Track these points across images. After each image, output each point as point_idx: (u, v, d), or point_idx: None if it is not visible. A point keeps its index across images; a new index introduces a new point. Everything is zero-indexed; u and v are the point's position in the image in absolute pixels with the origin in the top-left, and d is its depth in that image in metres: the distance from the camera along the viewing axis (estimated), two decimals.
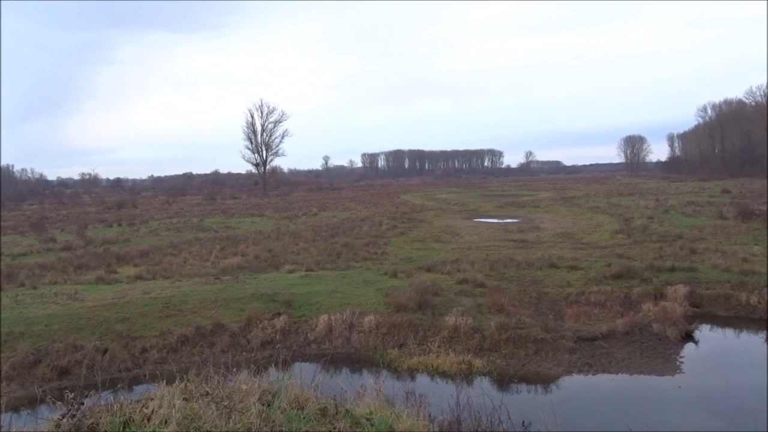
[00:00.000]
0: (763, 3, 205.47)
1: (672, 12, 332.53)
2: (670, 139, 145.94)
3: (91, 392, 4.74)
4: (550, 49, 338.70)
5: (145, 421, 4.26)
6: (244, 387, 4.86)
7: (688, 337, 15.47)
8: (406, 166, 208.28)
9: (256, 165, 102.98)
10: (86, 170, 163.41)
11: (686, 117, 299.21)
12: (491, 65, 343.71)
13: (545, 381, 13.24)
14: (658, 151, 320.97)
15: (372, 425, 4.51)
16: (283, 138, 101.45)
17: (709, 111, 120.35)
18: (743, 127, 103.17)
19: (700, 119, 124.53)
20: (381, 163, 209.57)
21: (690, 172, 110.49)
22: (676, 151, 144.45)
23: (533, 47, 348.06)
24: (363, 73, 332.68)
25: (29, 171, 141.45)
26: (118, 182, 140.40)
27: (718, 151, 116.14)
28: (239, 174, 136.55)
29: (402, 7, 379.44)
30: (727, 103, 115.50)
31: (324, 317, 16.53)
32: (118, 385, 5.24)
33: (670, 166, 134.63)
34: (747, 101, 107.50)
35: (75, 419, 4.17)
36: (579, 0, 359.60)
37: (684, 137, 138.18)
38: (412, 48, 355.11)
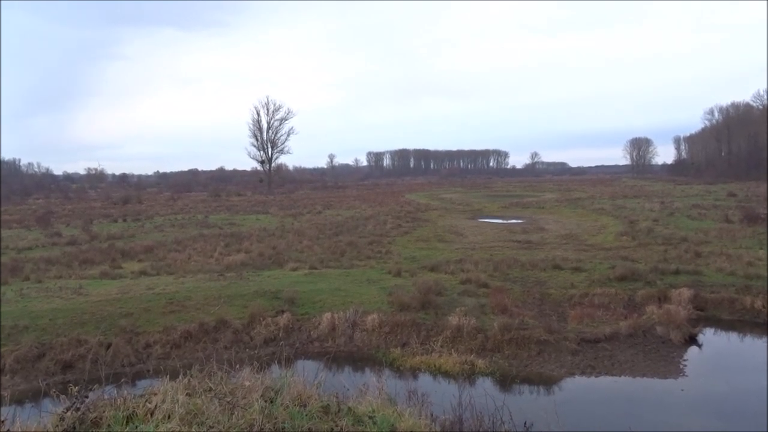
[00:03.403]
0: (764, 8, 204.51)
1: (676, 16, 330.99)
2: (677, 141, 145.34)
3: (95, 386, 4.76)
4: (554, 51, 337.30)
5: (149, 415, 4.28)
6: (247, 383, 4.87)
7: (692, 340, 15.43)
8: (412, 165, 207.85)
9: (262, 162, 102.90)
10: (92, 165, 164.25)
11: (693, 120, 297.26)
12: (495, 66, 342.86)
13: (548, 382, 13.24)
14: (664, 154, 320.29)
15: (374, 423, 4.52)
16: (288, 136, 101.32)
17: (716, 114, 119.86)
18: (750, 131, 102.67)
19: (706, 122, 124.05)
20: (386, 162, 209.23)
21: (696, 175, 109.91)
22: (683, 153, 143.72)
23: (537, 49, 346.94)
24: (366, 73, 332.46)
25: (35, 165, 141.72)
26: (123, 178, 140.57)
27: (725, 154, 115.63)
28: (244, 171, 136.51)
29: (403, 7, 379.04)
30: (735, 106, 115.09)
31: (327, 315, 16.56)
32: (122, 380, 5.27)
33: (676, 169, 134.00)
34: (754, 104, 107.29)
35: (79, 413, 4.19)
36: (581, 1, 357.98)
37: (690, 140, 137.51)
38: (415, 48, 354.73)
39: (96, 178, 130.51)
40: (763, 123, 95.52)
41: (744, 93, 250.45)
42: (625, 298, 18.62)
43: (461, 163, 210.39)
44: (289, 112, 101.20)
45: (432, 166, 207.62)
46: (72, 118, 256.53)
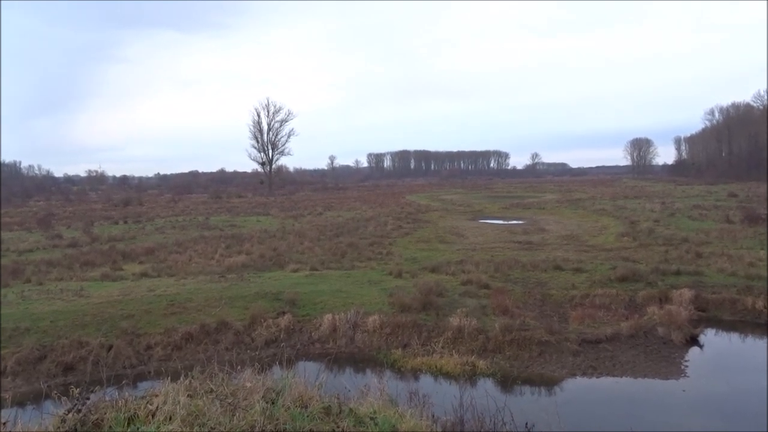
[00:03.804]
0: (764, 8, 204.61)
1: (676, 16, 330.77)
2: (677, 142, 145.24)
3: (96, 388, 4.76)
4: (554, 51, 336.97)
5: (150, 417, 4.28)
6: (248, 385, 4.87)
7: (693, 340, 15.42)
8: (412, 166, 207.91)
9: (262, 164, 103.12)
10: (93, 167, 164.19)
11: (693, 120, 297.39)
12: (495, 66, 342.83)
13: (549, 383, 13.23)
14: (665, 154, 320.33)
15: (375, 424, 4.51)
16: (289, 137, 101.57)
17: (717, 114, 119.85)
18: (751, 131, 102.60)
19: (707, 122, 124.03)
20: (387, 163, 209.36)
21: (697, 176, 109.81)
22: (683, 154, 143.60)
23: (537, 49, 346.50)
24: (367, 74, 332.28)
25: (36, 167, 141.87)
26: (124, 180, 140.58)
27: (726, 154, 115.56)
28: (245, 173, 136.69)
29: (403, 7, 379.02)
30: (735, 106, 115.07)
31: (328, 317, 16.56)
32: (123, 382, 5.28)
33: (677, 170, 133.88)
34: (755, 105, 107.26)
35: (80, 414, 4.19)
36: (581, 1, 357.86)
37: (691, 140, 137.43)
38: (415, 48, 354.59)
39: (97, 180, 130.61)
40: (763, 123, 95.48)
41: (744, 93, 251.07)
42: (626, 298, 18.60)
43: (462, 164, 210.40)
44: (289, 113, 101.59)
45: (432, 167, 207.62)
46: (73, 120, 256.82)
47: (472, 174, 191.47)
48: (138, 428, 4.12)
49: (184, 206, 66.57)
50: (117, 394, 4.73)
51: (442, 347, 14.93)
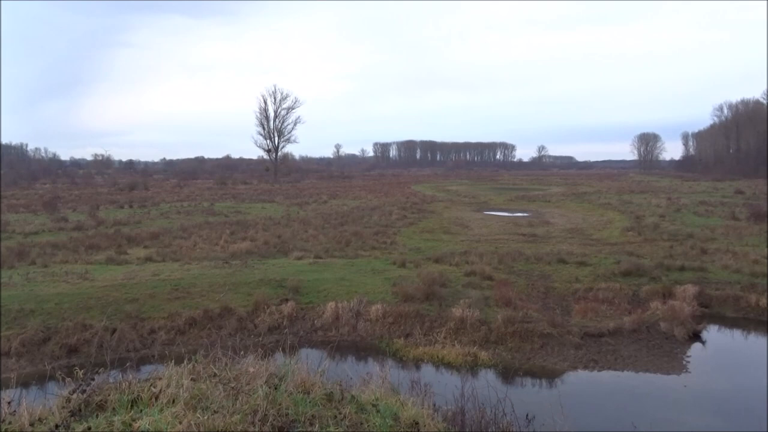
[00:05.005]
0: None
1: (686, 11, 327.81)
2: (685, 137, 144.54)
3: (100, 370, 4.79)
4: (562, 46, 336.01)
5: (153, 399, 4.31)
6: (251, 370, 4.89)
7: (696, 337, 15.40)
8: (418, 156, 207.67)
9: (268, 151, 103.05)
10: (99, 151, 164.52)
11: (701, 116, 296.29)
12: (503, 60, 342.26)
13: (550, 375, 13.25)
14: (672, 150, 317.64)
15: (377, 412, 4.53)
16: (295, 125, 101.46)
17: (725, 110, 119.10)
18: (759, 128, 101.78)
19: (715, 118, 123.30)
20: (393, 152, 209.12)
21: (704, 172, 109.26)
22: (691, 150, 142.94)
23: (546, 44, 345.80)
24: (375, 64, 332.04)
25: (43, 150, 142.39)
26: (130, 164, 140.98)
27: (733, 151, 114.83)
28: (251, 159, 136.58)
29: None
30: (744, 102, 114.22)
31: (331, 305, 16.60)
32: (127, 365, 5.29)
33: (684, 165, 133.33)
34: (764, 101, 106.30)
35: (84, 395, 4.23)
36: None
37: (699, 136, 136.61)
38: (424, 40, 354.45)
39: (103, 164, 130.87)
40: None
41: (754, 90, 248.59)
42: (630, 293, 18.57)
43: (468, 155, 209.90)
44: (296, 101, 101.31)
45: (438, 157, 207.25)
46: (80, 104, 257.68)
47: (478, 165, 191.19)
48: (141, 410, 4.15)
49: (190, 192, 66.68)
50: (121, 376, 4.76)
51: (445, 337, 14.96)
